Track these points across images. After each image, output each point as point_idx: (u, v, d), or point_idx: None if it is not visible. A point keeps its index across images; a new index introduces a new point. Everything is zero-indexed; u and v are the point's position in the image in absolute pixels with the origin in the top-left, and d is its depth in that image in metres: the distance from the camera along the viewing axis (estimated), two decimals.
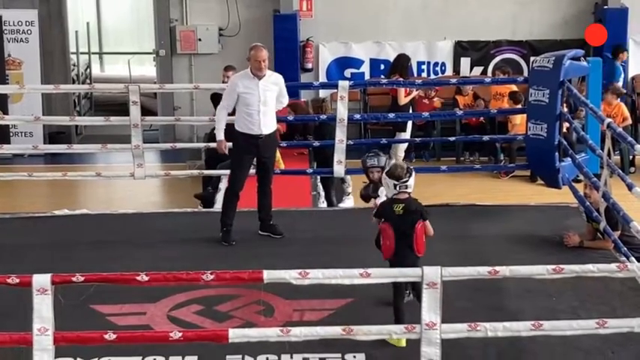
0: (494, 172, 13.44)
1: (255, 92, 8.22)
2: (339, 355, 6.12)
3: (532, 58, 10.08)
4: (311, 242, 8.01)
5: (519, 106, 12.80)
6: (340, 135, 9.56)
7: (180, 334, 5.59)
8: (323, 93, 14.61)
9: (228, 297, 7.03)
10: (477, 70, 15.62)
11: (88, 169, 11.76)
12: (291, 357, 6.08)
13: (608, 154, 7.83)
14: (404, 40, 15.39)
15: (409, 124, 13.50)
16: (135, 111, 9.46)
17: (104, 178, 10.70)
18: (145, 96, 14.02)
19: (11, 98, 14.56)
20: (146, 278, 5.51)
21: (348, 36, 15.54)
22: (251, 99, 8.22)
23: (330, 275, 5.60)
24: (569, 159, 9.21)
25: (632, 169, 13.61)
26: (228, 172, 10.36)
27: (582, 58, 9.62)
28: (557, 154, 9.12)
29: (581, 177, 9.21)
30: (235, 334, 5.64)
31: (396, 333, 5.73)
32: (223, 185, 10.57)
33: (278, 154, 10.63)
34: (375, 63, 15.59)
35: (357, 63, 15.61)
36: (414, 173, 6.53)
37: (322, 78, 15.35)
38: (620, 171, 7.91)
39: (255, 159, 8.43)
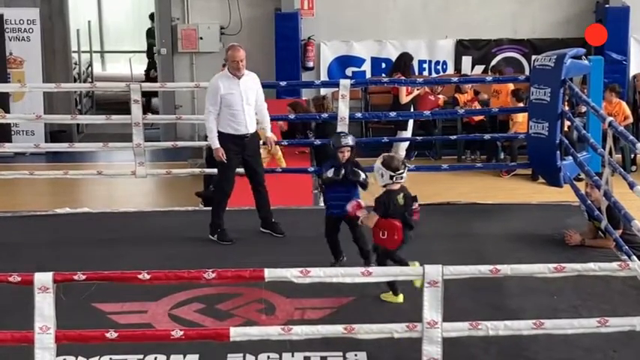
0: (495, 171, 13.43)
1: (237, 92, 8.27)
2: (341, 353, 6.12)
3: (533, 57, 10.07)
4: (312, 241, 8.00)
5: (521, 104, 12.79)
6: None
7: (181, 333, 5.59)
8: (324, 92, 14.61)
9: (229, 295, 7.04)
10: (479, 69, 15.61)
11: (89, 168, 11.75)
12: (293, 355, 6.08)
13: (610, 153, 7.83)
14: (405, 38, 15.38)
15: (410, 122, 13.51)
16: (136, 109, 9.47)
17: (105, 176, 10.66)
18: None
19: (13, 97, 14.57)
20: (147, 277, 5.51)
21: (349, 34, 15.54)
22: (234, 99, 8.25)
23: (332, 274, 5.60)
24: (570, 158, 9.21)
25: (634, 168, 13.60)
26: None
27: (584, 57, 9.62)
28: (558, 152, 9.12)
29: (583, 175, 9.21)
30: (236, 333, 5.64)
31: (397, 332, 5.72)
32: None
33: (280, 153, 10.65)
34: (376, 61, 15.59)
35: (358, 62, 15.61)
36: (406, 167, 6.85)
37: (323, 77, 15.34)
38: (622, 169, 7.91)
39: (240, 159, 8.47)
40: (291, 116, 11.13)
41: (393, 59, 14.42)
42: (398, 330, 5.66)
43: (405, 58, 13.89)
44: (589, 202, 8.28)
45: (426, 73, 15.56)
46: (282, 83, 11.32)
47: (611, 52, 14.77)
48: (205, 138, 12.11)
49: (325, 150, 10.29)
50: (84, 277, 5.52)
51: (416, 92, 13.66)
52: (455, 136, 12.79)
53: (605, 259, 7.31)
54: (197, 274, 5.58)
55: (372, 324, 5.69)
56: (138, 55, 18.63)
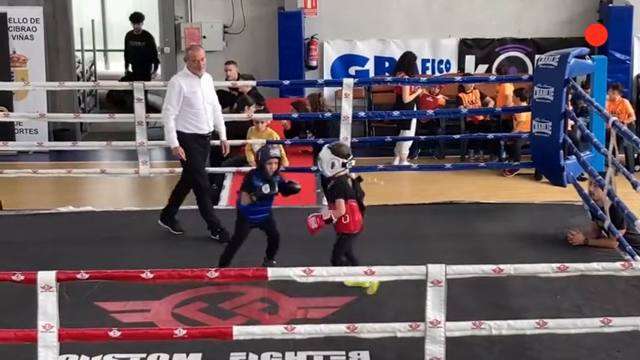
0: (498, 170, 13.42)
1: (199, 91, 8.35)
2: (343, 352, 6.12)
3: (537, 56, 10.09)
4: (315, 240, 8.00)
5: (525, 103, 12.78)
6: (345, 133, 9.56)
7: (184, 332, 5.60)
8: (327, 91, 14.59)
9: (232, 294, 7.04)
10: (482, 68, 15.58)
11: (92, 167, 11.73)
12: (295, 354, 6.09)
13: (613, 152, 7.82)
14: (408, 37, 15.37)
15: (413, 121, 13.50)
16: (139, 108, 9.48)
17: (109, 175, 10.68)
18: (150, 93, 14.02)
19: (16, 95, 14.57)
20: (150, 275, 5.51)
21: (352, 34, 15.52)
22: (196, 98, 8.33)
23: (335, 273, 5.61)
24: (573, 157, 9.20)
25: (637, 167, 13.57)
26: (233, 169, 10.41)
27: (587, 56, 9.62)
28: (561, 152, 9.11)
29: (586, 175, 9.20)
30: (240, 332, 5.64)
31: (400, 331, 5.72)
32: (227, 182, 10.57)
33: (283, 151, 10.65)
34: (379, 61, 15.57)
35: (361, 61, 15.59)
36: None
37: (327, 76, 15.33)
38: (625, 169, 7.91)
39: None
40: (294, 115, 11.12)
41: (397, 58, 14.43)
42: (401, 329, 5.66)
43: (408, 58, 13.91)
44: (592, 201, 8.28)
45: (429, 72, 15.53)
46: (286, 82, 11.33)
47: (614, 51, 14.75)
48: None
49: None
50: (87, 275, 5.52)
51: (419, 91, 13.67)
52: (458, 136, 12.78)
53: (609, 258, 7.31)
54: (200, 273, 5.58)
55: (375, 323, 5.69)
56: None
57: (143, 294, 6.91)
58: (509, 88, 13.89)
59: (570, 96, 9.45)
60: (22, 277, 5.47)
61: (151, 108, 12.65)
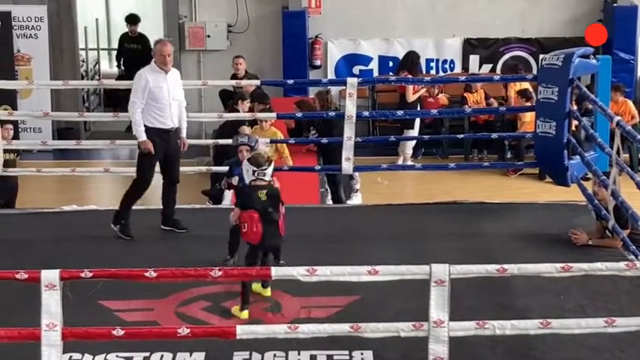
0: (502, 170, 13.41)
1: (165, 86, 8.38)
2: (347, 352, 6.11)
3: (541, 56, 10.05)
4: (319, 239, 8.01)
5: (529, 103, 12.77)
6: (349, 132, 9.54)
7: (187, 331, 5.60)
8: (332, 90, 14.57)
9: (236, 293, 7.03)
10: (486, 68, 15.59)
11: (96, 165, 11.76)
12: (299, 354, 6.08)
13: (617, 152, 7.81)
14: (412, 37, 15.37)
15: (417, 121, 13.50)
16: None
17: (112, 173, 10.68)
18: None
19: (20, 94, 14.59)
20: (154, 274, 5.51)
21: (356, 33, 15.53)
22: (161, 93, 8.36)
23: (338, 272, 5.59)
24: (577, 157, 9.19)
25: None
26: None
27: (592, 56, 9.60)
28: (565, 152, 9.10)
29: (590, 175, 9.19)
30: (243, 331, 5.64)
31: (404, 331, 5.71)
32: (232, 182, 10.55)
33: (286, 150, 10.66)
34: (383, 60, 15.58)
35: (365, 60, 15.60)
36: (272, 164, 6.94)
37: (331, 75, 15.34)
38: (629, 169, 7.90)
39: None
40: (298, 114, 11.12)
41: (401, 58, 14.43)
42: (404, 329, 5.65)
43: (412, 57, 13.91)
44: (596, 201, 8.27)
45: (433, 71, 15.54)
46: (290, 81, 11.33)
47: (619, 51, 14.74)
48: (212, 136, 12.22)
49: (329, 146, 10.32)
50: (91, 274, 5.52)
51: (422, 91, 13.67)
52: (462, 135, 12.78)
53: (613, 258, 7.30)
54: (204, 272, 5.58)
55: (379, 323, 5.69)
56: None
57: (147, 293, 6.91)
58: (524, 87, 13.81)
59: (574, 96, 9.44)
60: (26, 276, 5.47)
61: None
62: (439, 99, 14.31)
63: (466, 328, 5.64)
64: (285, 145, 10.59)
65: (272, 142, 10.84)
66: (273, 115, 10.71)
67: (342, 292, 6.83)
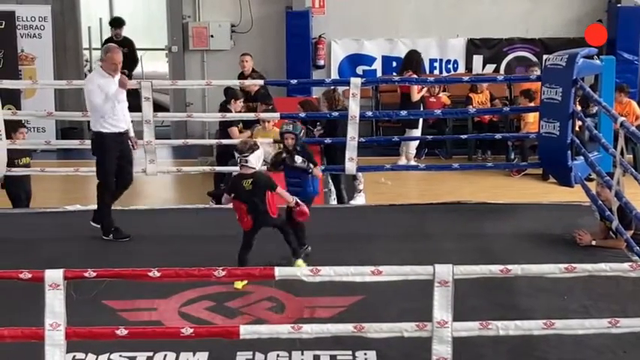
0: (506, 170, 13.40)
1: (114, 90, 8.41)
2: (350, 352, 6.12)
3: (545, 57, 10.07)
4: (322, 239, 8.01)
5: (532, 104, 12.76)
6: (352, 132, 9.55)
7: (191, 330, 5.60)
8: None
9: (239, 293, 7.05)
10: (490, 68, 15.57)
11: None
12: (302, 354, 6.09)
13: (621, 153, 7.81)
14: (416, 37, 15.35)
15: (420, 120, 13.49)
16: (147, 107, 9.49)
17: None
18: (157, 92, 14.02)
19: (24, 93, 14.59)
20: (158, 274, 5.51)
21: (360, 33, 15.52)
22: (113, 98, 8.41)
23: (342, 272, 5.59)
24: (581, 157, 9.19)
25: None
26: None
27: (595, 57, 9.60)
28: (569, 152, 9.09)
29: (594, 176, 9.18)
30: (246, 331, 5.64)
31: (407, 331, 5.70)
32: None
33: None
34: (387, 60, 15.56)
35: (369, 60, 15.59)
36: (257, 152, 7.06)
37: (334, 75, 15.32)
38: (633, 170, 7.89)
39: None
40: (302, 114, 11.11)
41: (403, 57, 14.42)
42: (408, 329, 5.65)
43: (415, 56, 13.91)
44: (600, 202, 8.26)
45: (436, 71, 15.52)
46: (293, 81, 11.34)
47: (622, 51, 14.72)
48: (216, 136, 12.21)
49: (333, 146, 10.31)
50: (94, 274, 5.53)
51: (424, 90, 13.66)
52: (465, 136, 12.77)
53: (616, 259, 7.30)
54: (207, 271, 5.58)
55: (382, 323, 5.69)
56: (149, 52, 18.62)
57: (150, 292, 6.92)
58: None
59: (578, 97, 9.43)
60: (30, 275, 5.47)
61: (159, 107, 12.66)
62: (441, 98, 14.29)
63: (470, 328, 5.64)
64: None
65: (275, 142, 10.84)
66: (277, 115, 10.71)
67: (346, 292, 6.83)
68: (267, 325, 6.05)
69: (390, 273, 5.63)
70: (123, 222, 9.03)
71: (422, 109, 13.52)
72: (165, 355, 6.09)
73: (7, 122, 9.83)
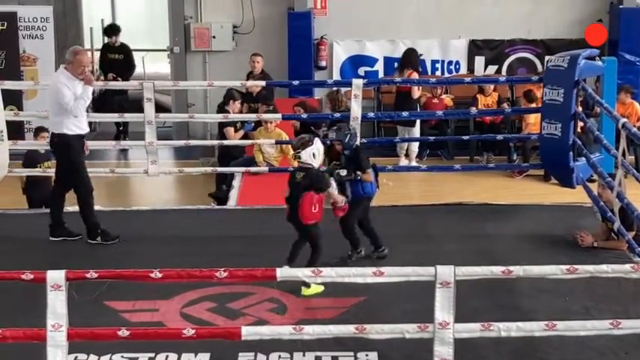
0: (507, 172, 13.40)
1: (79, 93, 8.36)
2: (352, 353, 6.12)
3: (547, 58, 10.06)
4: (325, 240, 7.99)
5: (533, 105, 12.76)
6: None
7: (192, 331, 5.60)
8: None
9: (241, 294, 7.05)
10: (492, 69, 15.56)
11: (101, 166, 11.73)
12: (304, 355, 6.09)
13: (623, 154, 7.80)
14: (418, 38, 15.34)
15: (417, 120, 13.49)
16: (149, 108, 9.50)
17: (118, 174, 10.69)
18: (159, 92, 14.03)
19: (26, 94, 14.59)
20: (159, 275, 5.52)
21: (362, 34, 15.51)
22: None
23: (343, 274, 5.60)
24: (583, 158, 9.19)
25: None
26: (242, 169, 10.41)
27: (597, 58, 9.60)
28: (571, 153, 9.09)
29: (596, 177, 9.18)
30: (248, 332, 5.65)
31: (409, 332, 5.70)
32: (236, 183, 10.57)
33: (292, 151, 10.65)
34: (388, 61, 15.55)
35: (370, 61, 15.58)
36: (309, 148, 7.21)
37: (336, 76, 15.32)
38: (635, 171, 7.89)
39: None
40: (303, 115, 11.12)
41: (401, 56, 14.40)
42: (409, 330, 5.66)
43: (414, 55, 13.91)
44: (602, 203, 8.26)
45: (438, 72, 15.51)
46: (295, 82, 11.34)
47: (624, 52, 14.72)
48: (217, 137, 12.21)
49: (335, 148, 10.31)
50: (96, 275, 5.54)
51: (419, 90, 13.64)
52: (467, 137, 12.76)
53: (618, 260, 7.30)
54: (209, 272, 5.58)
55: (384, 324, 5.69)
56: (151, 53, 18.64)
57: (152, 293, 6.92)
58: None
59: (580, 98, 9.43)
60: (32, 276, 5.48)
61: (161, 107, 12.66)
62: (443, 100, 14.28)
63: (471, 329, 5.64)
64: (290, 145, 10.59)
65: (277, 143, 10.86)
66: (278, 116, 10.72)
67: (348, 293, 6.84)
68: (269, 326, 6.06)
69: (392, 274, 5.63)
70: (124, 222, 9.05)
71: (419, 105, 13.53)
72: (167, 356, 6.09)
73: (9, 123, 9.82)
